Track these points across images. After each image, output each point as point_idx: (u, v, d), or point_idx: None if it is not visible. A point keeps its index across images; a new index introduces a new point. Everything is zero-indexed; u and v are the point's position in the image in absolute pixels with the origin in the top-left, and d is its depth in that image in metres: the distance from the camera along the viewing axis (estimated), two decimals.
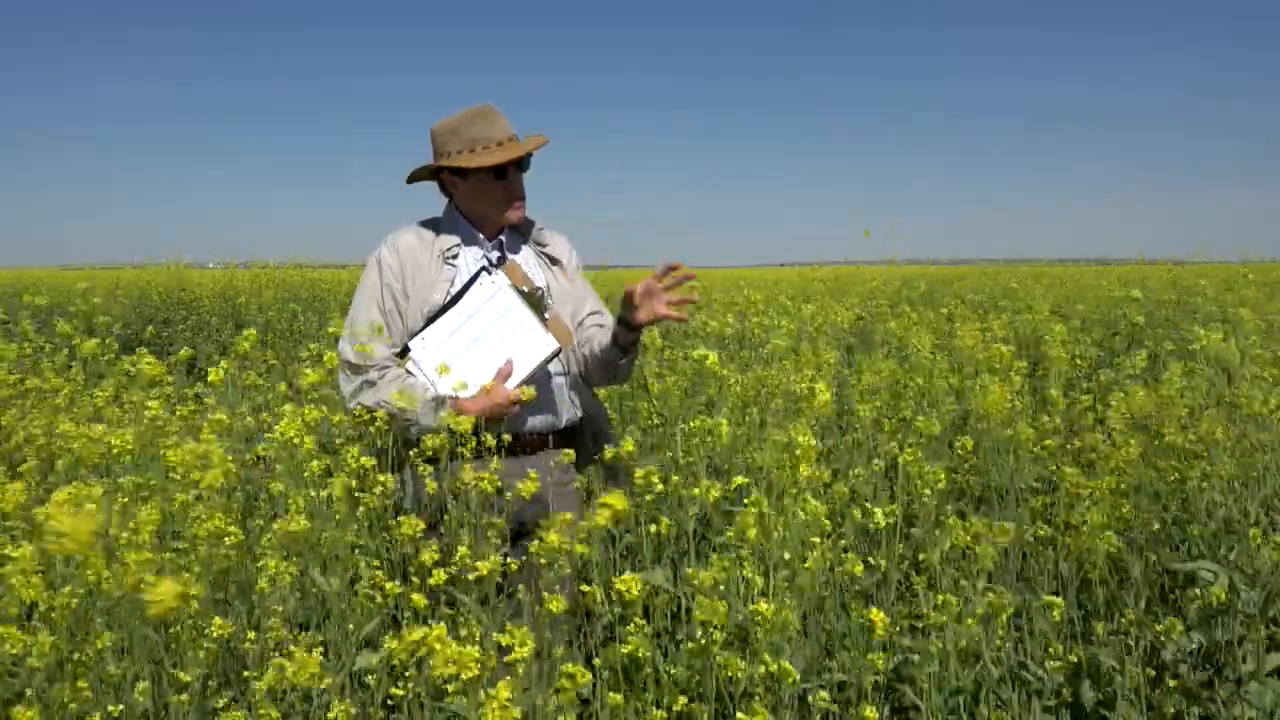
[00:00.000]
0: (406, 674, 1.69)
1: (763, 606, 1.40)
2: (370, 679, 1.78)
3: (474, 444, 2.10)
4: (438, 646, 1.31)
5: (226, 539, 1.82)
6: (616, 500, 1.51)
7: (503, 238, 2.66)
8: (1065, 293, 8.57)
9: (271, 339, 7.57)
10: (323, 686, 1.54)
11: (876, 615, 1.51)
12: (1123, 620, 2.11)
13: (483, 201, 2.59)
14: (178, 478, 1.90)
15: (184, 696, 1.70)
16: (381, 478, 2.02)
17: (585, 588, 1.84)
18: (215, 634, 1.65)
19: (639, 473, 1.58)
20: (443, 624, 1.37)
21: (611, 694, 1.43)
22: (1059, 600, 1.80)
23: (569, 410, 2.57)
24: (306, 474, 1.94)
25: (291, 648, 1.56)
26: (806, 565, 1.57)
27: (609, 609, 1.74)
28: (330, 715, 1.58)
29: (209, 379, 2.44)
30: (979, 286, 10.04)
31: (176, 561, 1.79)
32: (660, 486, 1.57)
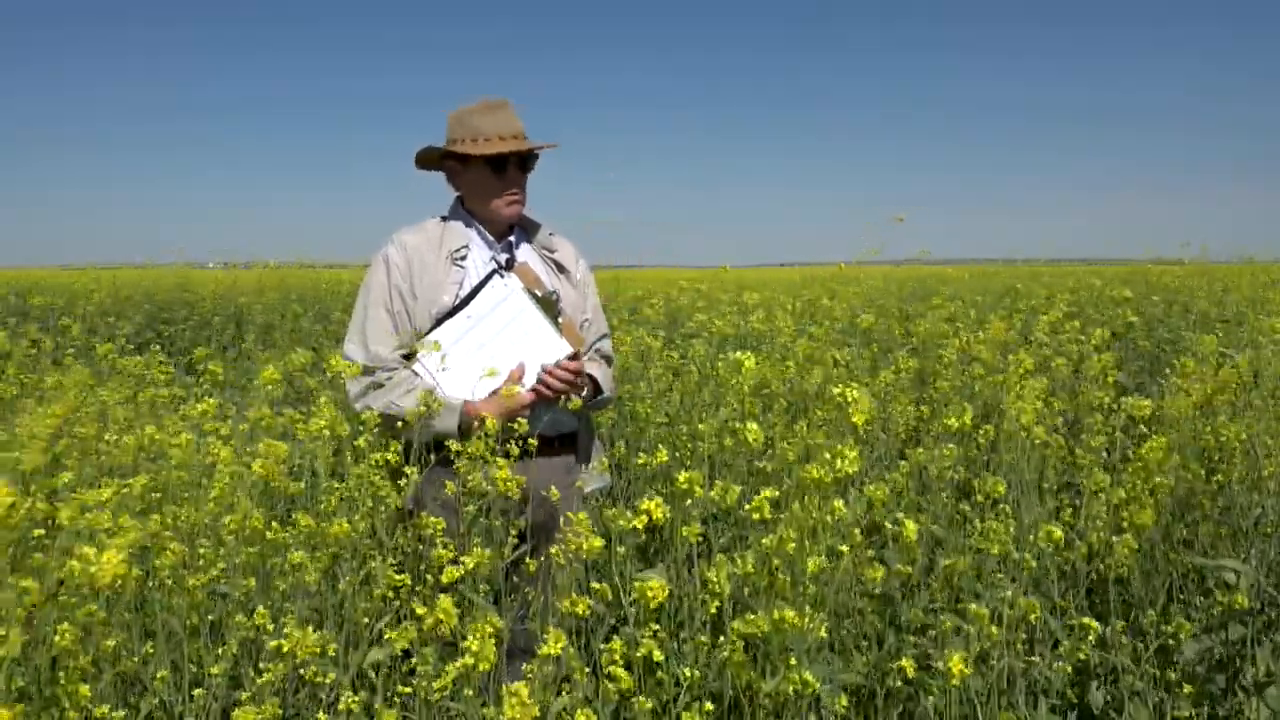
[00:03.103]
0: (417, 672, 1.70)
1: (789, 615, 1.40)
2: (377, 676, 1.79)
3: (517, 445, 2.10)
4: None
5: (260, 533, 1.82)
6: (654, 508, 1.52)
7: (511, 239, 2.65)
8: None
9: (276, 339, 7.57)
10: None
11: (956, 665, 1.51)
12: (1139, 620, 2.11)
13: (481, 194, 2.58)
14: (224, 473, 1.90)
15: (199, 691, 1.70)
16: (409, 470, 2.02)
17: (595, 585, 1.84)
18: (241, 634, 1.65)
19: (681, 477, 1.57)
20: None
21: (641, 699, 1.43)
22: (1094, 624, 1.79)
23: (572, 413, 2.56)
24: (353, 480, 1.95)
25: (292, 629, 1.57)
26: (834, 569, 1.57)
27: (622, 610, 1.74)
28: (341, 706, 1.58)
29: (207, 369, 2.44)
30: (982, 287, 10.01)
31: (209, 556, 1.79)
32: (700, 492, 1.57)
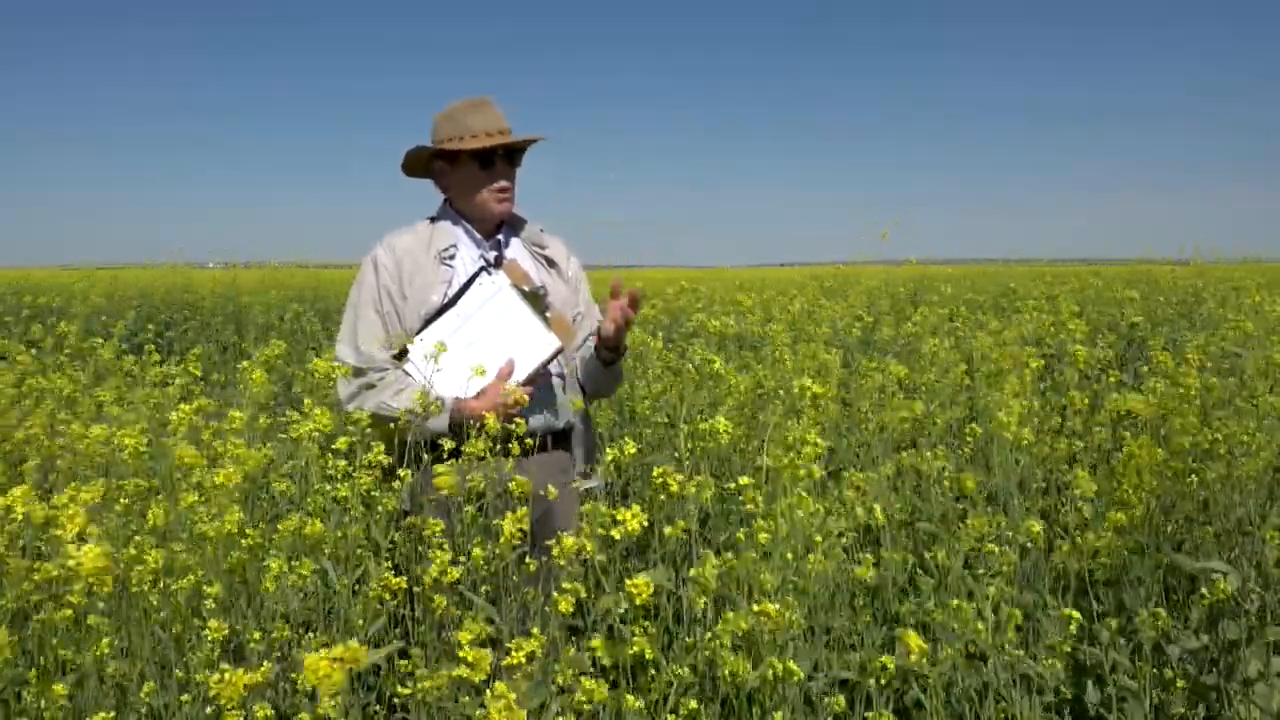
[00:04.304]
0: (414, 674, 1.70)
1: (769, 607, 1.40)
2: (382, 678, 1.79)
3: (492, 443, 2.09)
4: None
5: (244, 540, 1.82)
6: (630, 518, 1.53)
7: (500, 236, 2.65)
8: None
9: (274, 340, 7.58)
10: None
11: (914, 640, 1.52)
12: (1132, 619, 2.11)
13: (470, 191, 2.58)
14: (197, 477, 1.90)
15: (186, 697, 1.69)
16: (403, 473, 2.02)
17: (566, 585, 1.84)
18: (212, 637, 1.64)
19: (656, 471, 1.58)
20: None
21: (629, 697, 1.43)
22: (1075, 614, 1.80)
23: (567, 410, 2.57)
24: (334, 472, 1.95)
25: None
26: (812, 562, 1.57)
27: (613, 611, 1.74)
28: (319, 711, 1.57)
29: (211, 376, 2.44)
30: (981, 287, 10.02)
31: (186, 561, 1.78)
32: (674, 488, 1.57)
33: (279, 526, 1.81)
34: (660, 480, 1.57)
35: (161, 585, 1.74)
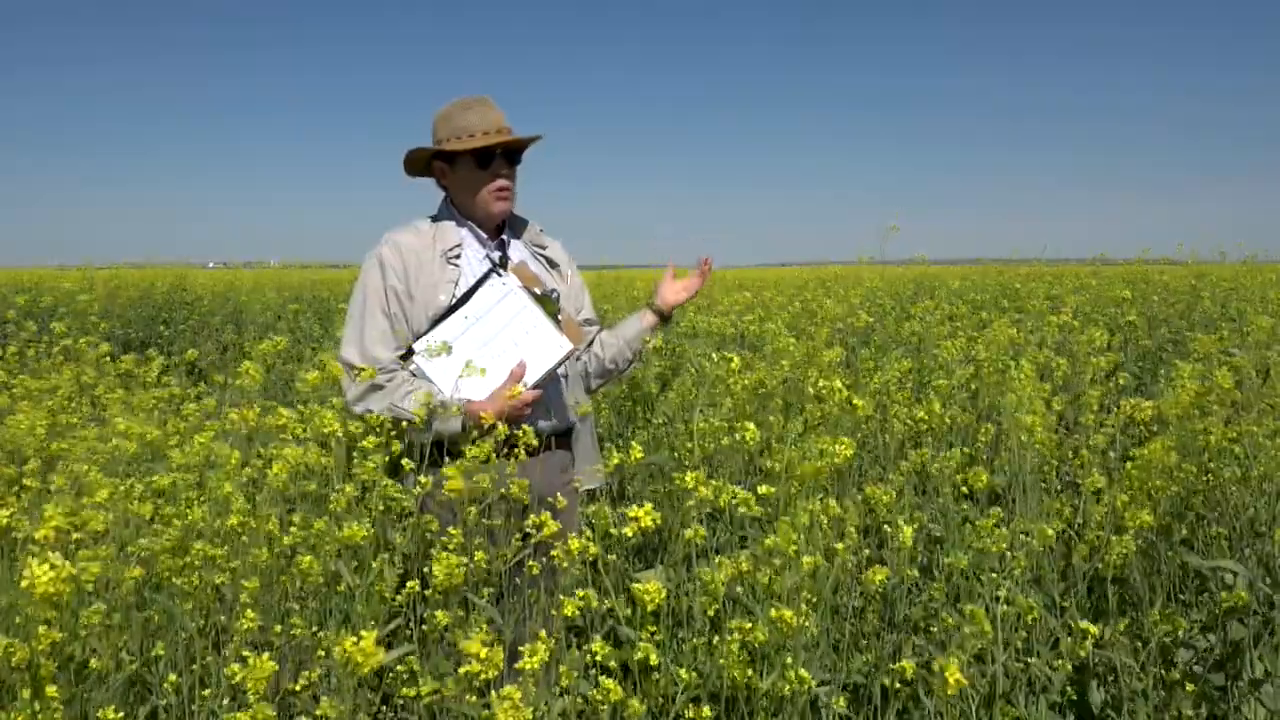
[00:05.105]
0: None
1: (786, 614, 1.40)
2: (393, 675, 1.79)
3: (497, 445, 2.09)
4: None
5: (279, 538, 1.83)
6: (644, 515, 1.53)
7: (504, 237, 2.64)
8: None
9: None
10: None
11: (952, 673, 1.50)
12: (1139, 617, 2.11)
13: (470, 190, 2.57)
14: (235, 476, 1.90)
15: (208, 691, 1.69)
16: (422, 479, 2.02)
17: (580, 593, 1.84)
18: (246, 627, 1.64)
19: (688, 476, 1.57)
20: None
21: (633, 701, 1.43)
22: (1093, 628, 1.80)
23: (570, 411, 2.56)
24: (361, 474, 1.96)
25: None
26: (829, 569, 1.57)
27: (620, 612, 1.74)
28: (318, 712, 1.57)
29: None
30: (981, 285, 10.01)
31: (220, 561, 1.79)
32: (703, 491, 1.57)
33: (310, 525, 1.81)
34: (690, 484, 1.57)
35: (195, 581, 1.74)
